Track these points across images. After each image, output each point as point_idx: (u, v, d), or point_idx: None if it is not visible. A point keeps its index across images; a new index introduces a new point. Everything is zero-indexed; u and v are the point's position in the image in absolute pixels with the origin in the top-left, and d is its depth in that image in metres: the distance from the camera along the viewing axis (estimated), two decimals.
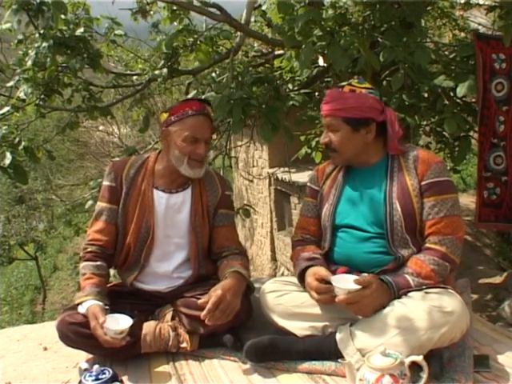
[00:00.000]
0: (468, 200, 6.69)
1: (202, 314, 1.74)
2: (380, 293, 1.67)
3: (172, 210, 2.03)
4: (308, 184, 2.11)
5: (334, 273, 1.84)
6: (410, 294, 1.70)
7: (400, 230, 1.78)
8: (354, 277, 1.70)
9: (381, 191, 1.84)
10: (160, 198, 2.02)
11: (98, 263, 1.95)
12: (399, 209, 1.78)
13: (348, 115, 1.82)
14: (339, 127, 1.85)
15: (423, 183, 1.80)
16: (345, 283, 1.69)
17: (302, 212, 2.10)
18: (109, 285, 2.14)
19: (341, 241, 1.91)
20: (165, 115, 2.01)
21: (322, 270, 1.79)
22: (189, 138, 1.94)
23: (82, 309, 1.81)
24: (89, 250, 1.98)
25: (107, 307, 1.81)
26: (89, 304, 1.79)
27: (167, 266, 2.04)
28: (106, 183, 2.05)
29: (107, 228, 2.00)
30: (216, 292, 1.77)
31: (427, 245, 1.79)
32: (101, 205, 2.03)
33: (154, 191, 2.02)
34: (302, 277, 1.87)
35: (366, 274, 1.74)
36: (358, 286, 1.65)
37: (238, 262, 1.99)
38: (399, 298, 1.69)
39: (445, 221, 1.77)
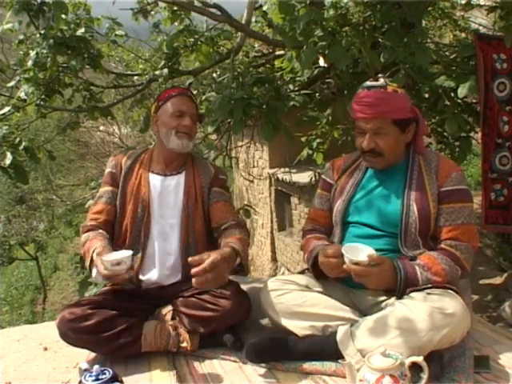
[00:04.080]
0: None
1: (195, 270, 1.65)
2: (387, 275, 1.68)
3: (166, 192, 2.11)
4: (322, 176, 2.11)
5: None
6: (411, 294, 1.70)
7: (413, 232, 1.78)
8: (367, 248, 1.69)
9: (399, 191, 1.84)
10: (156, 180, 2.13)
11: (99, 231, 2.03)
12: (416, 211, 1.78)
13: (398, 117, 1.80)
14: (389, 130, 1.80)
15: (442, 189, 1.80)
16: (356, 253, 1.67)
17: (314, 204, 2.09)
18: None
19: (350, 236, 1.91)
20: (154, 105, 2.18)
21: (328, 248, 1.76)
22: (174, 112, 2.08)
23: (93, 271, 1.86)
24: (88, 225, 2.06)
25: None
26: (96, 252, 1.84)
27: (166, 246, 2.06)
28: (107, 170, 2.18)
29: (106, 209, 2.10)
30: (214, 256, 1.70)
31: (443, 245, 1.79)
32: (101, 190, 2.15)
33: (150, 174, 2.14)
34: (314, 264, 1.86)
35: (374, 253, 1.68)
36: (370, 254, 1.64)
37: (236, 236, 1.97)
38: (402, 289, 1.69)
39: (462, 228, 1.78)
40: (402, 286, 1.70)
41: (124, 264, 1.74)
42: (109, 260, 1.73)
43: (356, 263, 1.65)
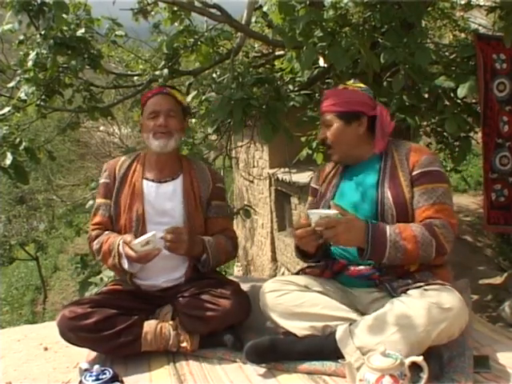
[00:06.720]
0: (469, 201, 6.70)
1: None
2: (355, 228, 1.69)
3: (162, 199, 2.07)
4: (311, 184, 2.20)
5: (332, 267, 1.91)
6: (408, 291, 1.71)
7: (391, 219, 1.80)
8: (334, 211, 1.71)
9: (373, 182, 1.89)
10: (150, 187, 2.08)
11: (106, 232, 2.04)
12: (390, 197, 1.81)
13: (340, 109, 1.92)
14: (332, 122, 1.94)
15: (414, 173, 1.84)
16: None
17: (307, 209, 2.13)
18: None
19: None
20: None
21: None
22: (149, 114, 2.05)
23: (125, 263, 1.90)
24: (93, 234, 2.07)
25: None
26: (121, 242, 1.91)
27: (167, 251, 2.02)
28: (101, 181, 2.15)
29: (104, 221, 2.09)
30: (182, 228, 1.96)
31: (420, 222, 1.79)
32: (97, 201, 2.14)
33: (144, 181, 2.09)
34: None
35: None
36: (335, 211, 1.68)
37: (219, 240, 2.07)
38: (371, 247, 1.68)
39: (435, 207, 1.78)
40: (370, 243, 1.69)
41: (152, 243, 1.84)
42: (138, 243, 1.82)
43: (324, 217, 1.68)
